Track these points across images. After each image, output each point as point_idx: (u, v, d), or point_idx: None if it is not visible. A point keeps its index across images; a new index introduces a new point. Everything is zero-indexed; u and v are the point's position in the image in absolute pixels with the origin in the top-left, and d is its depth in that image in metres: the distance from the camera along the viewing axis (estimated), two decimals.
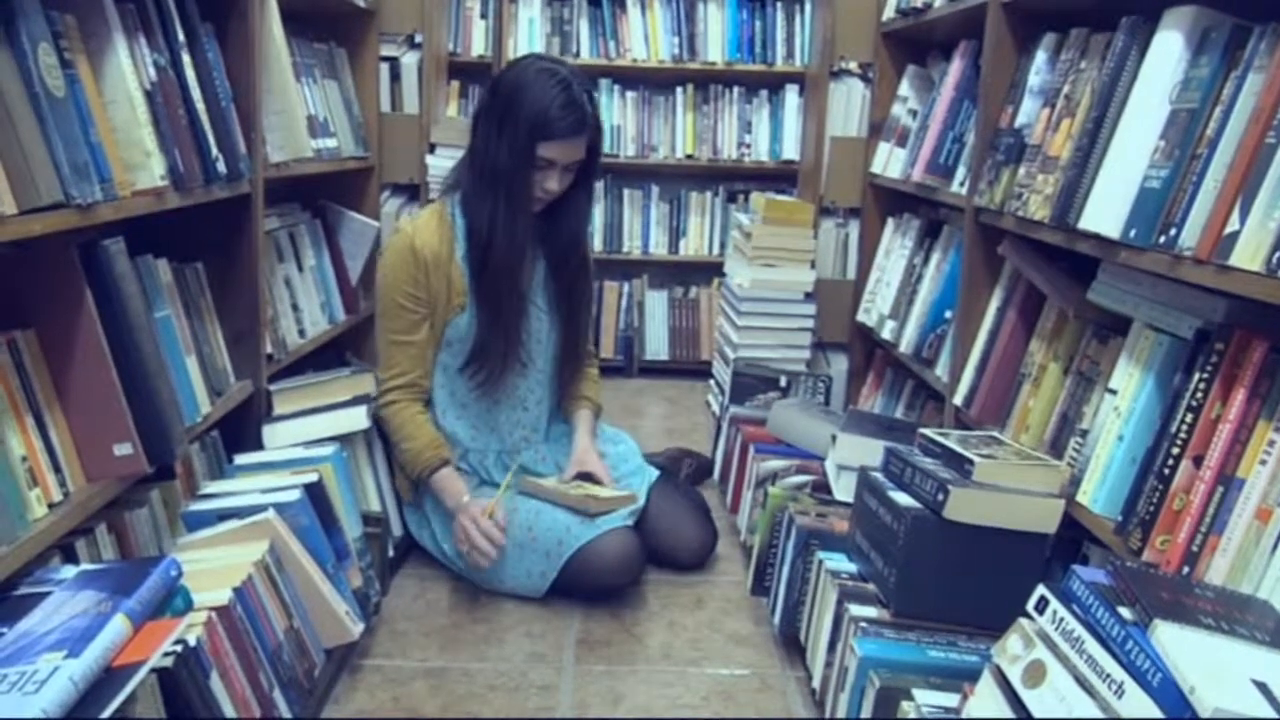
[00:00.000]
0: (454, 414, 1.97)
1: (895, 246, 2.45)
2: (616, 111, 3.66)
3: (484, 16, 3.56)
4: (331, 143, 2.26)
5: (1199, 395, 1.19)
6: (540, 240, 1.95)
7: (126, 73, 1.42)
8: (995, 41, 1.81)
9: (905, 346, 2.18)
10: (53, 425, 1.30)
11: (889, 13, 2.50)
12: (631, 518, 1.90)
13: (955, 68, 2.12)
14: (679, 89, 3.68)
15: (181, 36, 1.59)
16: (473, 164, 1.88)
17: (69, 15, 1.34)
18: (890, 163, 2.45)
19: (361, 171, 2.49)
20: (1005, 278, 1.82)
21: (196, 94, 1.61)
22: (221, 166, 1.66)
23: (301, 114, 2.03)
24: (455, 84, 3.57)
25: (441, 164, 2.52)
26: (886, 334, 2.32)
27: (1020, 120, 1.73)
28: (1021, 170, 1.67)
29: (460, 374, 1.94)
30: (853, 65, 2.70)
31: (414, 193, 2.68)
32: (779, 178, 3.58)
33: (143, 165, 1.44)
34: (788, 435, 2.17)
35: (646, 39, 3.61)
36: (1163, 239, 1.23)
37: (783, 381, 2.50)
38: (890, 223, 2.53)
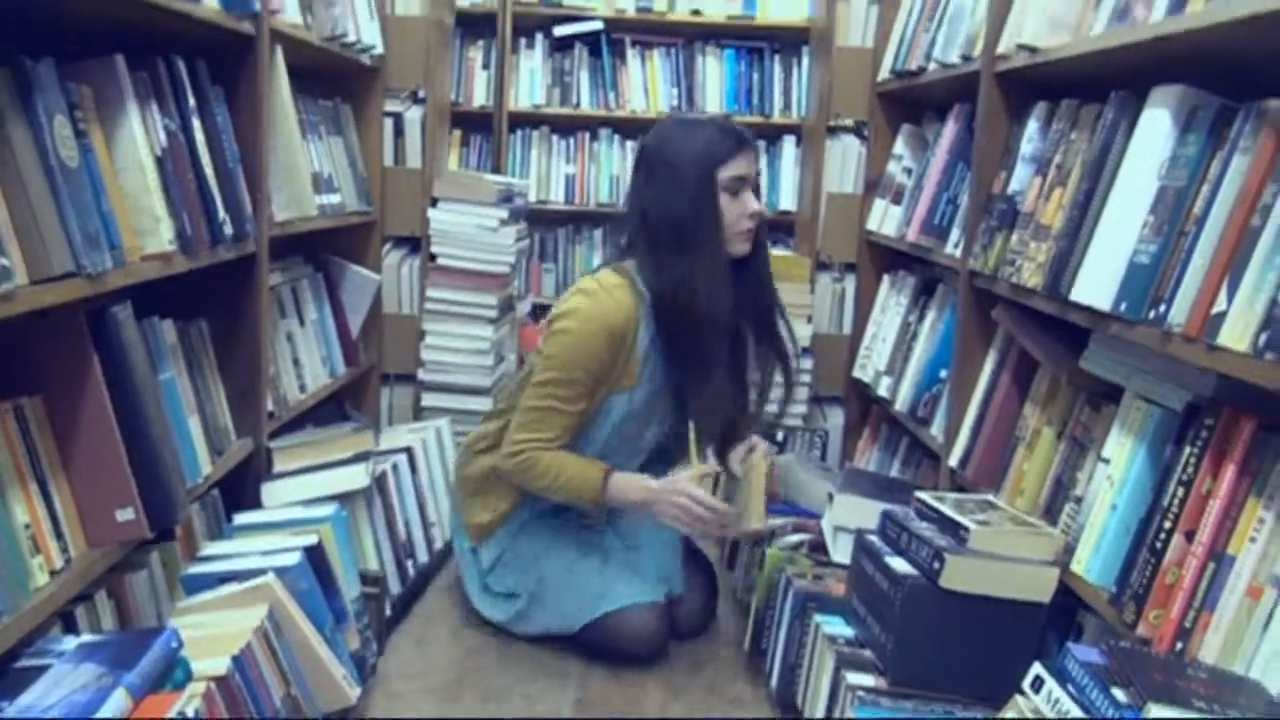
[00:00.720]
0: (590, 454, 1.87)
1: (891, 303, 2.47)
2: (616, 161, 3.70)
3: (485, 67, 3.61)
4: (335, 198, 2.29)
5: (1190, 469, 1.21)
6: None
7: (138, 139, 1.45)
8: (988, 108, 1.85)
9: (901, 404, 2.20)
10: (56, 492, 1.31)
11: (884, 73, 2.55)
12: (664, 590, 1.90)
13: (949, 130, 2.16)
14: None
15: (192, 101, 1.62)
16: (647, 228, 1.76)
17: (85, 86, 1.37)
18: (886, 220, 2.48)
19: (364, 225, 2.52)
20: (999, 340, 1.84)
21: (205, 157, 1.64)
22: (228, 228, 1.69)
23: (307, 172, 2.06)
24: (457, 133, 3.62)
25: (443, 217, 2.55)
26: (883, 390, 2.34)
27: (1013, 187, 1.76)
28: (1014, 237, 1.70)
29: (613, 432, 1.86)
30: (848, 121, 2.74)
31: (415, 245, 2.71)
32: (776, 227, 3.61)
33: (152, 230, 1.47)
34: (784, 491, 2.18)
35: (646, 90, 3.66)
36: (1152, 314, 1.26)
37: (779, 436, 2.51)
38: (886, 279, 2.56)
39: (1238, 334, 1.10)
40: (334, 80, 2.43)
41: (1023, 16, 1.71)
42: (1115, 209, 1.41)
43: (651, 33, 3.62)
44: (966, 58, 1.98)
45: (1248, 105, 1.20)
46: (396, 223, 2.66)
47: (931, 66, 2.17)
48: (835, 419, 2.73)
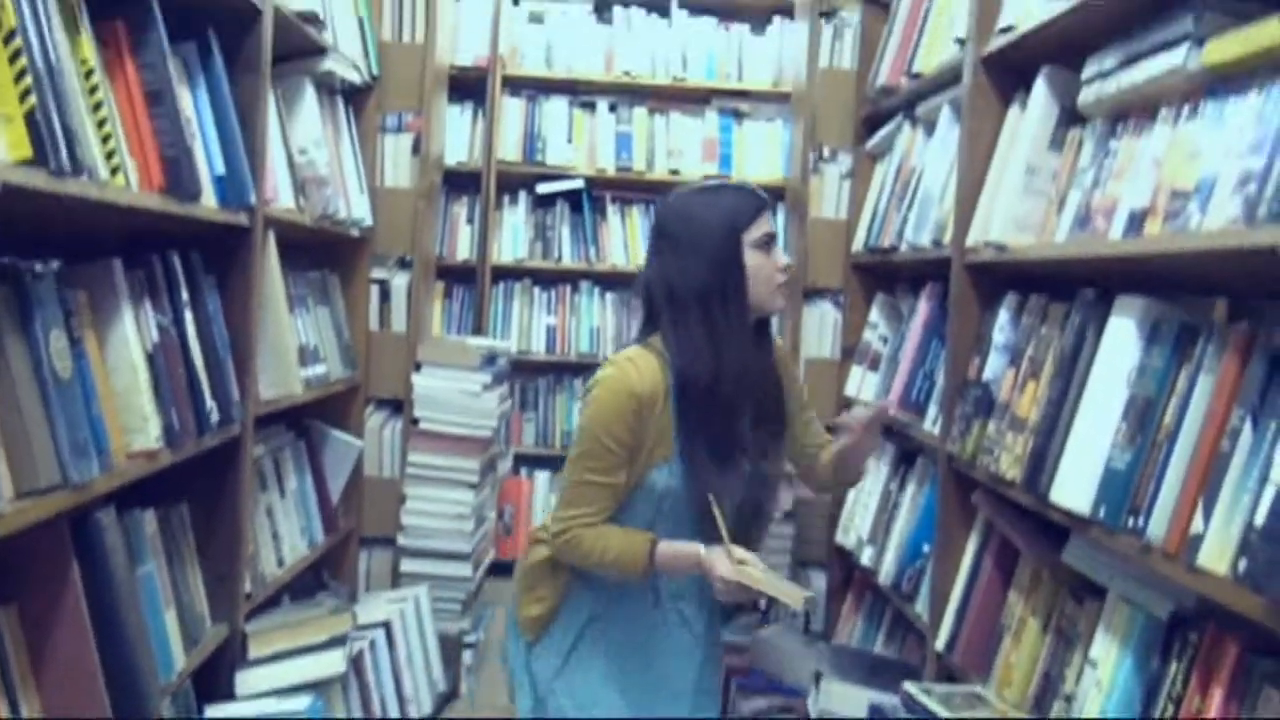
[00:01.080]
0: None
1: (872, 468, 2.49)
2: (596, 313, 3.77)
3: (470, 222, 3.71)
4: (320, 369, 2.31)
5: (1178, 686, 1.21)
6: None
7: (131, 340, 1.47)
8: (959, 294, 1.92)
9: (884, 577, 2.20)
10: (25, 704, 1.28)
11: (858, 244, 2.64)
12: None
13: (923, 307, 2.23)
14: None
15: (185, 294, 1.65)
16: (672, 299, 1.72)
17: (81, 291, 1.40)
18: (864, 386, 2.53)
19: (348, 390, 2.53)
20: (980, 523, 1.86)
21: (196, 349, 1.66)
22: (214, 416, 1.69)
23: (294, 348, 2.09)
24: (440, 285, 3.68)
25: (427, 382, 2.57)
26: (866, 560, 2.34)
27: (987, 374, 1.81)
28: (991, 425, 1.74)
29: (658, 512, 1.78)
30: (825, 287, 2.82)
31: (398, 407, 2.72)
32: None
33: (140, 429, 1.47)
34: (770, 667, 2.15)
35: (626, 245, 3.76)
36: (1131, 523, 1.28)
37: (762, 604, 2.49)
38: None
39: (1216, 556, 1.12)
40: (322, 251, 2.49)
41: (989, 214, 1.79)
42: (1089, 411, 1.44)
43: (631, 190, 3.74)
44: (937, 243, 2.06)
45: (1208, 327, 1.25)
46: (381, 385, 2.68)
47: (904, 246, 2.25)
48: (818, 582, 2.71)
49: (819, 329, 2.78)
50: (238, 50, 1.80)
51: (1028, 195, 1.75)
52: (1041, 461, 1.51)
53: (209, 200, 1.69)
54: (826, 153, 2.94)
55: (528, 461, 3.66)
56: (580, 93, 3.69)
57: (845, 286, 2.70)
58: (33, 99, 1.14)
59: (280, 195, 2.00)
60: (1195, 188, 1.27)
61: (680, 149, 3.67)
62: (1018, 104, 1.84)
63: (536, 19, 3.65)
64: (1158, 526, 1.22)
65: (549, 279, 3.73)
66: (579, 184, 3.67)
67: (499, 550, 3.23)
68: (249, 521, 1.88)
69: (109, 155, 1.35)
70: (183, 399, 1.59)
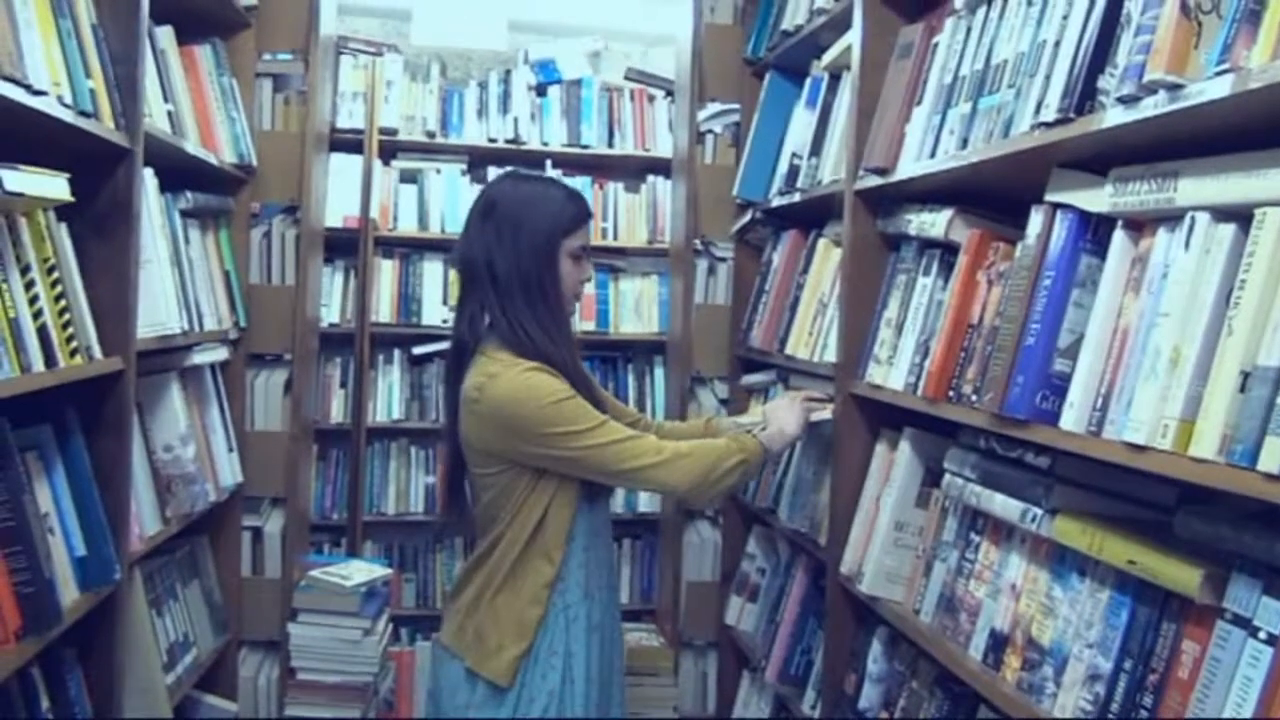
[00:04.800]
0: (581, 554, 1.78)
1: (752, 701, 2.58)
2: None
3: (343, 385, 3.61)
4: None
5: None
6: None
7: None
8: (834, 617, 1.99)
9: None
10: None
11: None
12: None
13: (799, 580, 2.30)
14: None
15: None
16: (495, 282, 1.73)
17: None
18: (743, 618, 2.61)
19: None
20: None
21: None
22: None
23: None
24: (315, 446, 3.58)
25: (303, 631, 2.51)
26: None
27: (863, 703, 1.90)
28: None
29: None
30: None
31: (273, 646, 2.65)
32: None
33: None
34: None
35: None
36: None
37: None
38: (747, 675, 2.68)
39: None
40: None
41: (864, 565, 1.87)
42: None
43: None
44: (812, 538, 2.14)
45: None
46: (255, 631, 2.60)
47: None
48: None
49: (699, 551, 2.83)
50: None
51: (897, 549, 1.84)
52: None
53: (71, 592, 1.61)
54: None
55: (408, 623, 3.61)
56: None
57: (723, 512, 2.77)
58: None
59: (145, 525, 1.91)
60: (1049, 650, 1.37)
61: None
62: (885, 443, 1.93)
63: (409, 178, 3.57)
64: None
65: (426, 438, 3.67)
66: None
67: None
68: None
69: None
70: None
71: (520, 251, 1.73)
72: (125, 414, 1.76)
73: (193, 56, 2.33)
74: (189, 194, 2.19)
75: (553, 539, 1.74)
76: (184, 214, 2.17)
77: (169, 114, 2.06)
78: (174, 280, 2.00)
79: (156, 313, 1.89)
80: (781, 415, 1.93)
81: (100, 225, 1.73)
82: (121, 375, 1.75)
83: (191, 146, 2.14)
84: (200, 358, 2.15)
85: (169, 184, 2.06)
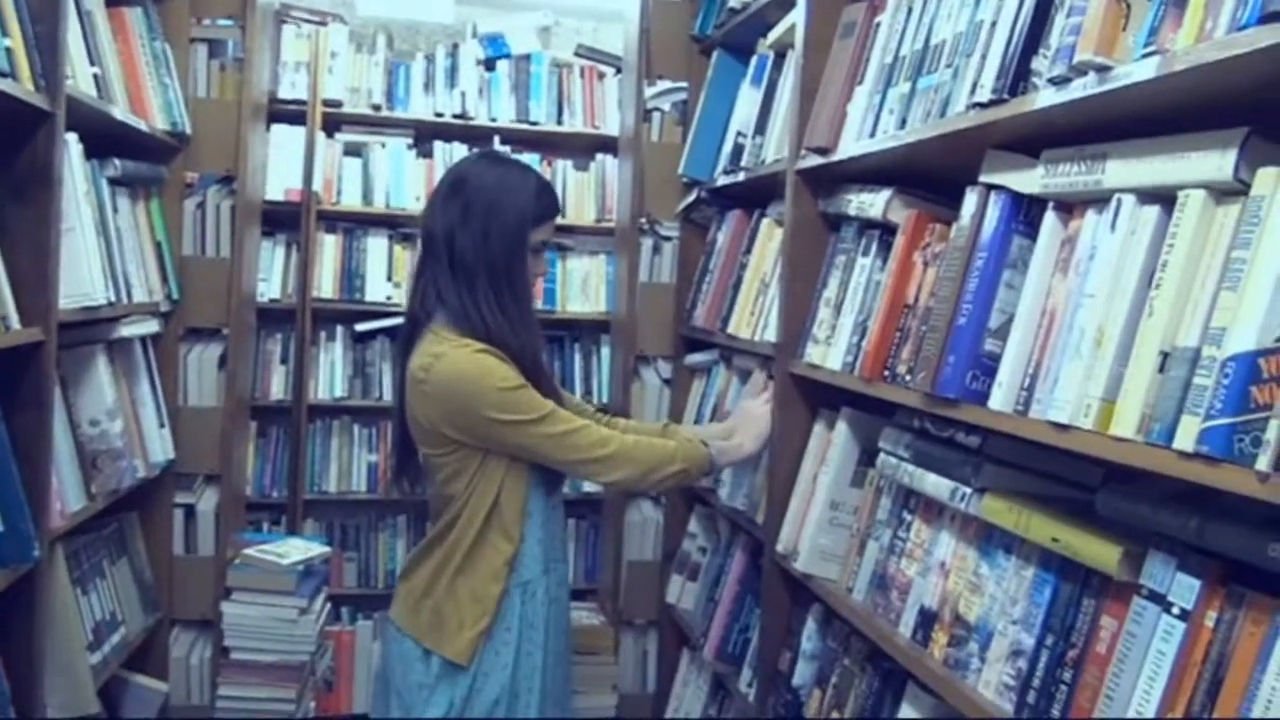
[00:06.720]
0: (538, 530, 1.80)
1: (692, 678, 2.59)
2: None
3: (284, 361, 3.54)
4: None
5: None
6: None
7: None
8: (771, 602, 2.00)
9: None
10: None
11: None
12: None
13: (738, 560, 2.31)
14: None
15: None
16: (459, 263, 1.71)
17: None
18: (684, 597, 2.61)
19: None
20: None
21: None
22: None
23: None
24: (254, 424, 3.51)
25: (237, 610, 2.46)
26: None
27: (797, 680, 1.91)
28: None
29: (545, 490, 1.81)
30: None
31: (206, 626, 2.60)
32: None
33: None
34: None
35: None
36: None
37: None
38: (686, 653, 2.69)
39: None
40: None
41: (799, 544, 1.88)
42: None
43: None
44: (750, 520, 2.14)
45: None
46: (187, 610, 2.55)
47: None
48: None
49: (641, 530, 2.83)
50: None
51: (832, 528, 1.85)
52: None
53: None
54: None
55: (349, 602, 3.57)
56: (400, 226, 3.57)
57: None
58: None
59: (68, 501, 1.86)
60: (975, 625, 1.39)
61: None
62: (823, 423, 1.94)
63: (353, 152, 3.50)
64: None
65: (369, 416, 3.62)
66: (399, 320, 3.56)
67: (320, 707, 3.16)
68: None
69: None
70: None
71: (487, 234, 1.72)
72: (46, 386, 1.70)
73: (122, 19, 2.26)
74: (117, 161, 2.12)
75: (510, 516, 1.74)
76: (112, 181, 2.11)
77: (95, 77, 1.99)
78: (100, 250, 1.94)
79: (80, 283, 1.83)
80: (747, 429, 1.97)
81: (19, 191, 1.67)
82: (42, 346, 1.69)
83: (120, 112, 2.08)
84: (129, 330, 2.09)
85: (96, 150, 2.00)
